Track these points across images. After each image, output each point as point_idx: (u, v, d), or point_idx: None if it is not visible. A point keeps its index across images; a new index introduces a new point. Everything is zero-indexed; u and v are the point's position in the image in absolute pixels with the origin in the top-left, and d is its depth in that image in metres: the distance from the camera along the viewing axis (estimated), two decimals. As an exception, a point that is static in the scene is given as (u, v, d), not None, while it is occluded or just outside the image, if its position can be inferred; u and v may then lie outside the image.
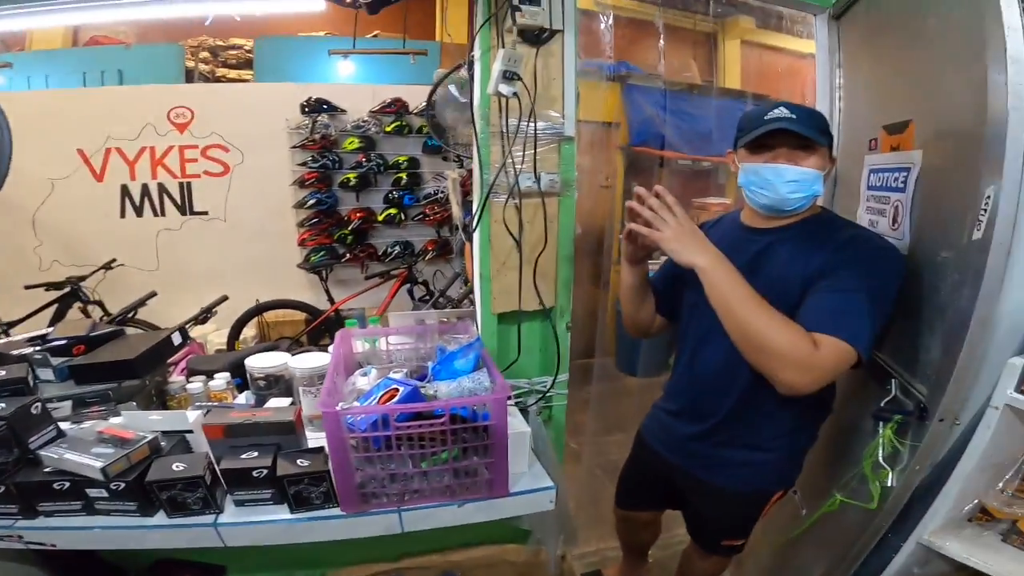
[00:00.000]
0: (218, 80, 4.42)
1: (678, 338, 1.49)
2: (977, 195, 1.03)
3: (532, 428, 1.44)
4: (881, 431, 1.27)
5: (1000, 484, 1.23)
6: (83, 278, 3.48)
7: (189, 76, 4.28)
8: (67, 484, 1.13)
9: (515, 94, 1.34)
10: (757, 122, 1.18)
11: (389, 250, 4.35)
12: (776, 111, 1.17)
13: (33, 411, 1.18)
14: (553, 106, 1.46)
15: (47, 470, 1.15)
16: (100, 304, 3.50)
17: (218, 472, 1.18)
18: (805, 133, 1.14)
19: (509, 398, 1.28)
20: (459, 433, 1.15)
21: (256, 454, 1.19)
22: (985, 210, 1.01)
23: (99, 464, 1.11)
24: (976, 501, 1.26)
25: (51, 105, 3.72)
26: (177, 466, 1.15)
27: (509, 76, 1.30)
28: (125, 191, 3.92)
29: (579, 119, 1.52)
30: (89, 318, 3.26)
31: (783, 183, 1.18)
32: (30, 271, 3.70)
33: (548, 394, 1.64)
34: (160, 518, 1.17)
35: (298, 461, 1.18)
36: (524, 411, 1.59)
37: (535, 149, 1.43)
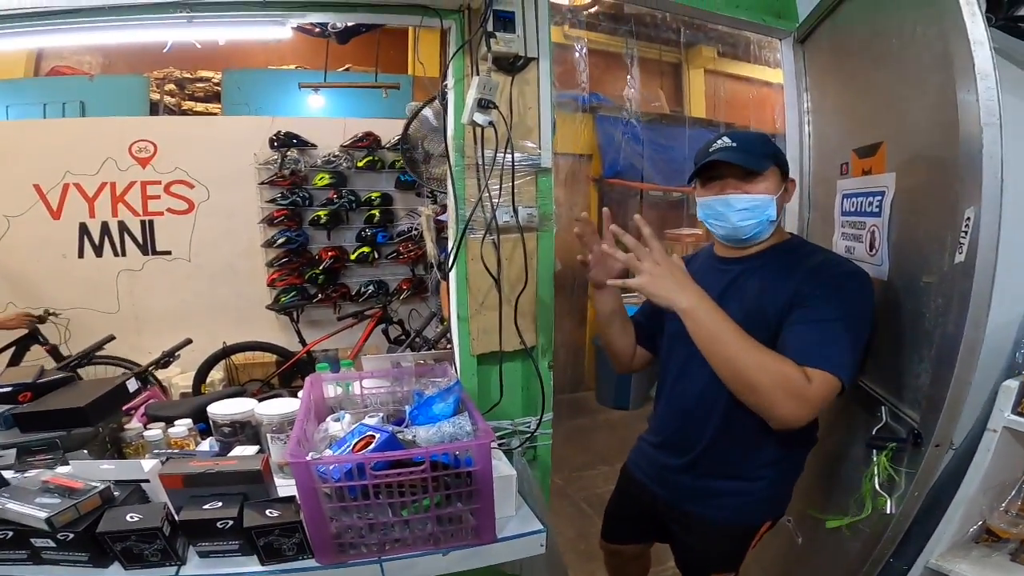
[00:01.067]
0: (184, 113, 4.32)
1: (660, 369, 1.47)
2: (956, 217, 1.03)
3: (517, 470, 1.37)
4: (875, 459, 1.25)
5: (1003, 504, 1.23)
6: (42, 319, 3.31)
7: (154, 109, 4.14)
8: (10, 533, 1.04)
9: (491, 123, 1.32)
10: (703, 155, 1.20)
11: (363, 289, 4.26)
12: (719, 142, 1.19)
13: (-30, 462, 1.07)
14: (530, 136, 1.45)
15: (-12, 520, 1.04)
16: (54, 349, 3.31)
17: (177, 523, 1.09)
18: (743, 163, 1.15)
19: (492, 442, 1.22)
20: (441, 479, 1.09)
21: (220, 504, 1.11)
22: (966, 232, 1.01)
23: (43, 514, 1.02)
24: (981, 523, 1.24)
25: (9, 137, 3.58)
26: (132, 517, 1.06)
27: (484, 104, 1.27)
28: (84, 229, 3.75)
29: (555, 151, 1.51)
30: (60, 360, 3.12)
31: (733, 212, 1.19)
32: (-20, 314, 3.49)
33: (533, 434, 1.58)
34: (116, 569, 1.08)
35: (267, 511, 1.09)
36: (508, 453, 1.53)
37: (512, 182, 1.41)
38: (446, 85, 1.47)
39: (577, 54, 3.94)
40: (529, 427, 1.58)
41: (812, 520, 1.46)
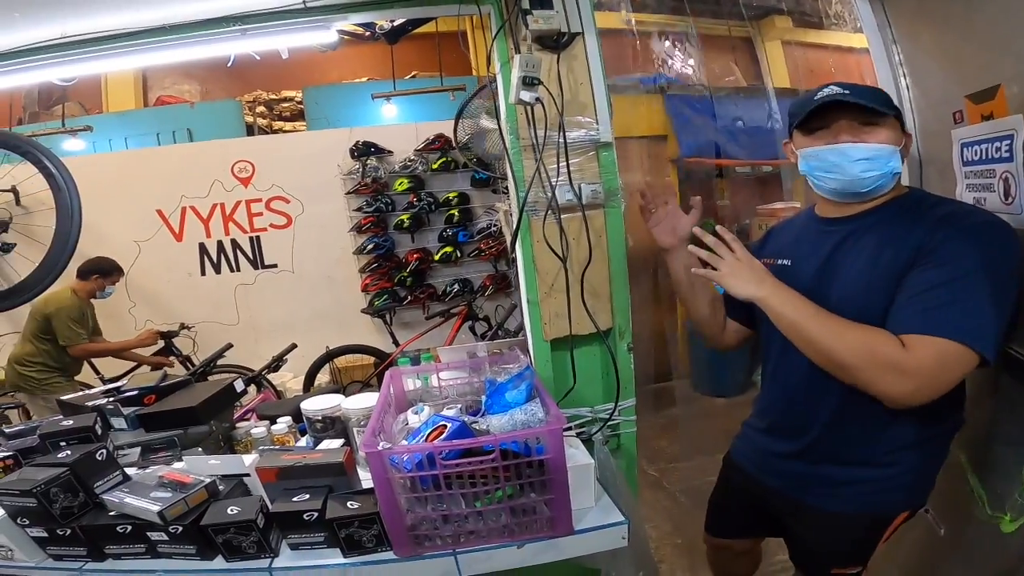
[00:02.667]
0: (275, 133, 4.70)
1: (761, 349, 1.35)
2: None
3: (598, 459, 1.32)
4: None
5: None
6: (173, 334, 3.73)
7: (249, 130, 4.53)
8: (129, 527, 1.15)
9: (538, 99, 1.29)
10: (808, 103, 1.09)
11: (448, 289, 4.37)
12: (826, 90, 1.08)
13: (98, 457, 1.22)
14: (585, 112, 1.40)
15: (111, 514, 1.18)
16: (186, 360, 3.72)
17: (271, 515, 1.16)
18: (863, 103, 1.04)
19: (568, 428, 1.18)
20: (513, 469, 1.07)
21: (308, 496, 1.16)
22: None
23: (156, 508, 1.12)
24: None
25: (132, 165, 4.02)
26: (231, 510, 1.14)
27: (529, 82, 1.25)
28: (203, 249, 4.17)
29: (621, 135, 1.45)
30: (190, 370, 3.51)
31: (851, 163, 1.07)
32: (127, 331, 3.99)
33: (612, 421, 1.51)
34: (219, 562, 1.16)
35: (348, 503, 1.13)
36: (588, 442, 1.48)
37: (567, 160, 1.36)
38: (493, 74, 1.45)
39: (633, 39, 3.81)
40: (609, 414, 1.51)
41: (960, 510, 1.30)
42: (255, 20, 1.41)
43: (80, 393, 1.81)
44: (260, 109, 4.78)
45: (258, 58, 1.57)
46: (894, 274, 1.02)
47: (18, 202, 3.59)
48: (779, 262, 1.25)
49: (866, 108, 1.04)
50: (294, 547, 1.16)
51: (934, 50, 1.53)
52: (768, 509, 1.37)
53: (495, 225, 4.13)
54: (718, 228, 1.17)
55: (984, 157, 1.31)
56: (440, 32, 4.10)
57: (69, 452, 1.21)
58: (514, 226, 1.43)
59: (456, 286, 4.35)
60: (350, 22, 1.45)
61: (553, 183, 1.37)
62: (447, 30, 4.15)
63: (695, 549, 1.76)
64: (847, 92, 1.05)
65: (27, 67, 1.54)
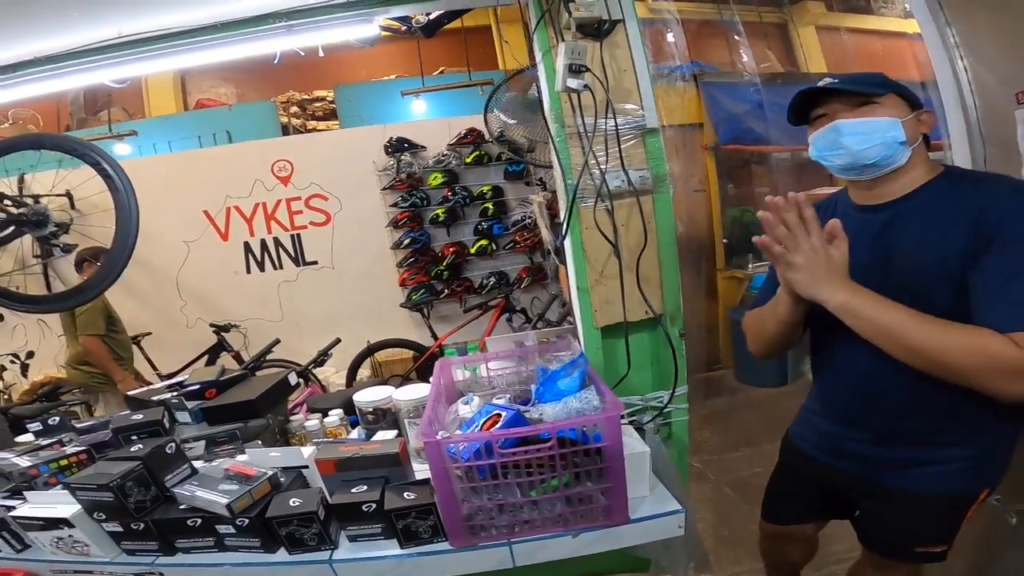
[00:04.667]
0: (309, 132, 4.78)
1: (815, 337, 1.30)
2: None
3: (651, 447, 1.31)
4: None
5: None
6: (226, 329, 3.88)
7: (285, 131, 4.63)
8: (199, 521, 1.18)
9: (586, 86, 1.28)
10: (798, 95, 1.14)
11: (485, 282, 4.39)
12: (821, 81, 1.13)
13: (168, 451, 1.26)
14: (629, 99, 1.39)
15: (182, 507, 1.21)
16: (237, 355, 3.85)
17: (331, 507, 1.18)
18: (849, 88, 1.08)
19: (622, 416, 1.17)
20: (569, 457, 1.07)
21: (365, 488, 1.18)
22: None
23: (224, 500, 1.15)
24: None
25: (178, 168, 4.17)
26: (294, 501, 1.17)
27: (576, 69, 1.24)
28: (247, 248, 4.30)
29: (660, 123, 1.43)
30: (241, 364, 3.63)
31: (845, 137, 1.08)
32: (179, 329, 4.18)
33: (667, 409, 1.49)
34: (282, 555, 1.19)
35: (405, 494, 1.15)
36: (640, 430, 1.46)
37: (619, 145, 1.35)
38: (533, 63, 1.44)
39: (666, 27, 3.74)
40: (662, 402, 1.50)
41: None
42: (300, 16, 1.45)
43: (145, 388, 1.88)
44: (294, 109, 4.88)
45: (302, 54, 1.60)
46: (948, 258, 0.99)
47: (73, 205, 3.74)
48: None
49: (855, 93, 1.07)
50: (352, 539, 1.18)
51: (992, 31, 1.50)
52: (838, 491, 1.34)
53: (529, 217, 4.13)
54: (800, 201, 1.00)
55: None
56: (467, 27, 4.10)
57: (141, 446, 1.25)
58: (564, 215, 1.42)
59: (492, 279, 4.36)
60: (391, 15, 1.47)
61: (602, 169, 1.35)
62: (473, 24, 4.15)
63: (741, 541, 1.73)
64: (835, 81, 1.10)
65: (84, 68, 1.60)
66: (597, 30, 1.35)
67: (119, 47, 1.51)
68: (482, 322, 4.04)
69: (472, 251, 4.34)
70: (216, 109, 4.68)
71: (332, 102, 4.89)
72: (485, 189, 4.29)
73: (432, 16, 1.75)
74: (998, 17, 1.47)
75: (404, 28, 1.75)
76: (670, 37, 3.66)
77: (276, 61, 1.62)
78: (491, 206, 4.30)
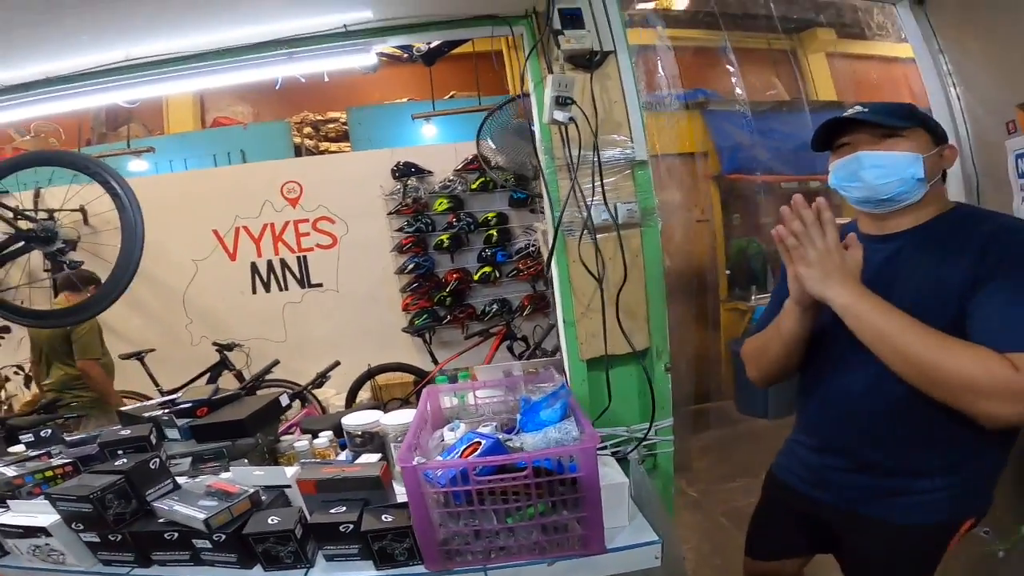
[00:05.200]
0: (321, 154, 4.87)
1: (806, 364, 1.28)
2: None
3: (634, 478, 1.30)
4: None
5: None
6: (229, 348, 3.91)
7: (298, 151, 4.73)
8: (176, 534, 1.19)
9: (572, 119, 1.30)
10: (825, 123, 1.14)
11: (487, 309, 4.40)
12: (850, 109, 1.11)
13: (151, 466, 1.28)
14: (619, 130, 1.41)
15: (160, 521, 1.22)
16: (239, 374, 3.87)
17: (309, 526, 1.18)
18: (876, 120, 1.06)
19: (603, 447, 1.17)
20: (545, 486, 1.07)
21: (344, 509, 1.19)
22: None
23: (202, 516, 1.16)
24: None
25: (189, 186, 4.25)
26: (272, 519, 1.18)
27: (562, 101, 1.27)
28: (254, 268, 4.36)
29: (659, 152, 1.46)
30: (242, 384, 3.64)
31: (866, 170, 1.08)
32: (183, 346, 4.22)
33: (648, 441, 1.49)
34: (258, 571, 1.19)
35: (383, 516, 1.15)
36: (622, 460, 1.46)
37: (601, 180, 1.37)
38: (524, 92, 1.48)
39: (670, 53, 3.80)
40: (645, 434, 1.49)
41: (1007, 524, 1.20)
42: (300, 44, 1.50)
43: (139, 404, 1.90)
44: (307, 130, 4.99)
45: (303, 80, 1.66)
46: (951, 295, 0.99)
47: (86, 221, 3.81)
48: None
49: (880, 124, 1.05)
50: (329, 558, 1.18)
51: (983, 59, 1.51)
52: (820, 524, 1.31)
53: (533, 245, 4.16)
54: (821, 204, 1.00)
55: (1041, 168, 1.25)
56: (477, 52, 4.21)
57: (125, 460, 1.27)
58: (549, 247, 1.44)
59: (494, 306, 4.38)
60: (388, 45, 1.52)
61: (588, 202, 1.38)
62: (483, 50, 4.25)
63: (734, 570, 1.69)
64: (865, 110, 1.08)
65: (94, 89, 1.67)
66: (588, 61, 1.38)
67: (125, 70, 1.58)
68: (483, 349, 4.05)
69: (475, 278, 4.37)
70: (231, 128, 4.80)
71: (345, 123, 4.99)
72: (490, 216, 4.33)
73: (432, 45, 1.81)
74: (987, 45, 1.49)
75: (405, 55, 1.81)
76: (666, 66, 3.71)
77: (277, 87, 1.68)
78: (495, 233, 4.34)
